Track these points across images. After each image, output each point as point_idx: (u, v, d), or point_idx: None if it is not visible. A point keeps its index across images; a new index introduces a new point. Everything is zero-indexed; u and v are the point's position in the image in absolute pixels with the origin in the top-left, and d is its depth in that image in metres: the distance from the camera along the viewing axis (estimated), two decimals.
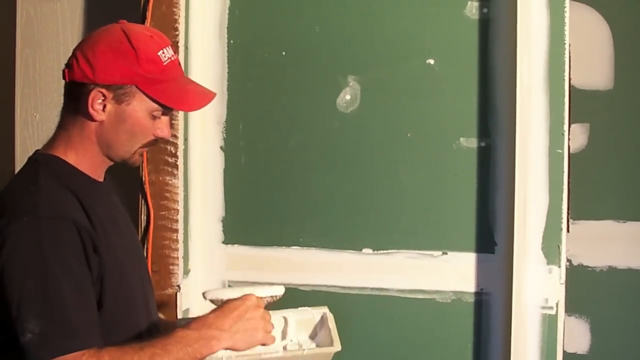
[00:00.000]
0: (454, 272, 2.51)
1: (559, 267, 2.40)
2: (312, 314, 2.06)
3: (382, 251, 2.54)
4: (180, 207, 2.55)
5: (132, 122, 1.78)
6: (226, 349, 1.69)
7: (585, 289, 2.93)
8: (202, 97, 1.87)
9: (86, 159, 1.80)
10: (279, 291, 1.88)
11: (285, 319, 2.00)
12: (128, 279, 1.83)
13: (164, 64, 1.79)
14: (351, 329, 2.56)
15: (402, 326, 2.55)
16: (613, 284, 2.93)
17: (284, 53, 2.60)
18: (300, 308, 2.04)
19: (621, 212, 2.92)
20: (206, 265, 2.64)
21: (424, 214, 2.52)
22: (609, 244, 2.92)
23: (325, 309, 2.05)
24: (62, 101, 1.85)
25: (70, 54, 1.83)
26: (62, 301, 1.60)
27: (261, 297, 1.81)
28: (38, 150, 1.85)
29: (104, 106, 1.75)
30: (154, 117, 1.80)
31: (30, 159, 1.82)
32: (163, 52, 1.80)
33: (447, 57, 2.50)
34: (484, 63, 2.48)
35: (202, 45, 2.62)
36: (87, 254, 1.67)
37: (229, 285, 2.61)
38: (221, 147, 2.63)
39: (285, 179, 2.59)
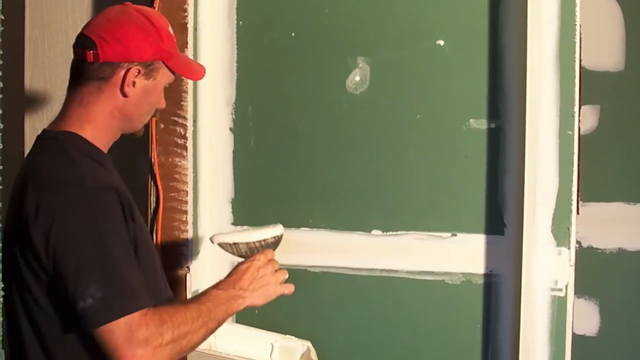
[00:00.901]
0: (463, 254, 2.51)
1: (569, 249, 2.39)
2: (296, 344, 2.31)
3: (391, 233, 2.54)
4: (189, 188, 2.55)
5: (155, 95, 1.95)
6: (248, 306, 1.90)
7: (595, 271, 2.93)
8: (199, 66, 2.07)
9: (103, 134, 1.91)
10: (279, 230, 2.04)
11: (272, 344, 2.30)
12: (151, 247, 1.99)
13: (174, 39, 1.97)
14: (360, 310, 2.57)
15: (411, 308, 2.55)
16: (622, 266, 2.93)
17: (293, 34, 2.59)
18: (287, 335, 2.30)
19: (631, 194, 2.91)
20: (216, 246, 2.64)
21: (433, 196, 2.52)
22: (619, 225, 2.92)
23: (308, 343, 2.31)
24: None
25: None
26: (119, 266, 1.71)
27: (265, 240, 2.02)
28: (46, 129, 1.91)
29: (134, 83, 1.88)
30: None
31: (45, 137, 1.89)
32: (170, 29, 1.96)
33: (457, 38, 2.49)
34: (494, 44, 2.47)
35: (211, 27, 2.61)
36: (127, 221, 1.80)
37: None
38: (230, 129, 2.62)
39: (295, 160, 2.59)
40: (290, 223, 2.59)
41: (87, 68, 1.88)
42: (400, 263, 2.54)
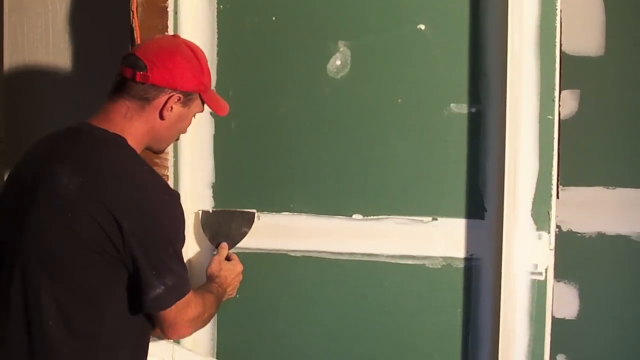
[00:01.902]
0: (443, 238, 2.51)
1: (549, 233, 2.41)
2: None
3: (372, 217, 2.55)
4: (170, 173, 2.54)
5: (186, 122, 2.21)
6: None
7: (575, 255, 2.94)
8: (224, 103, 2.30)
9: (137, 147, 2.11)
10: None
11: None
12: None
13: (210, 74, 2.23)
14: (341, 294, 2.58)
15: (392, 292, 2.56)
16: (602, 250, 2.94)
17: (274, 18, 2.58)
18: None
19: (611, 179, 2.92)
20: (196, 231, 2.64)
21: (414, 180, 2.52)
22: (599, 210, 2.93)
23: None
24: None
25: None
26: (182, 259, 2.09)
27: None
28: (89, 123, 2.09)
29: (172, 108, 2.11)
30: None
31: (99, 133, 2.06)
32: (208, 65, 2.21)
33: (438, 23, 2.49)
34: (475, 29, 2.47)
35: (192, 11, 2.60)
36: None
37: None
38: (211, 113, 2.61)
39: (276, 144, 2.58)
40: (271, 207, 2.60)
41: (133, 86, 2.08)
42: (381, 247, 2.54)
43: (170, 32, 2.53)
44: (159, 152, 2.28)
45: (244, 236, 2.55)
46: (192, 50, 2.16)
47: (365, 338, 2.58)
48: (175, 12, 2.55)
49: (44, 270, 1.97)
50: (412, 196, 2.52)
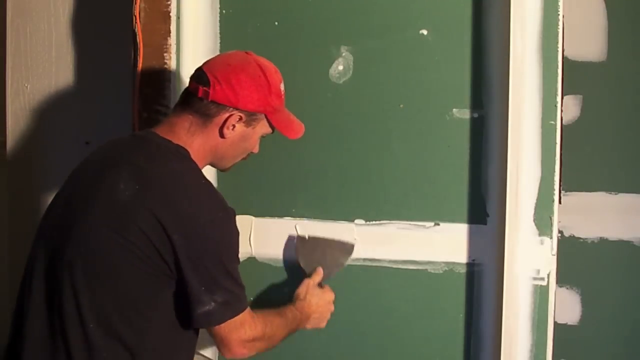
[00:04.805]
0: (446, 243, 2.51)
1: (551, 238, 2.40)
2: None
3: (374, 222, 2.55)
4: None
5: (250, 142, 2.17)
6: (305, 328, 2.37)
7: (577, 260, 2.94)
8: (299, 125, 2.27)
9: (199, 162, 2.09)
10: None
11: None
12: None
13: (282, 96, 2.18)
14: (343, 299, 2.57)
15: (394, 297, 2.56)
16: (604, 255, 2.94)
17: (276, 23, 2.59)
18: None
19: (613, 184, 2.92)
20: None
21: (416, 185, 2.52)
22: (601, 215, 2.93)
23: None
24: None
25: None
26: (236, 275, 2.03)
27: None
28: (154, 132, 2.09)
29: (234, 126, 2.08)
30: None
31: (163, 144, 2.05)
32: (282, 86, 2.17)
33: (440, 28, 2.49)
34: (477, 34, 2.47)
35: (194, 16, 2.60)
36: None
37: None
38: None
39: (278, 149, 2.58)
40: (273, 212, 2.60)
41: (196, 101, 2.07)
42: (383, 252, 2.54)
43: (174, 38, 2.53)
44: (223, 170, 2.26)
45: (341, 267, 2.53)
46: (262, 70, 2.12)
47: (367, 343, 2.58)
48: (178, 17, 2.55)
49: (89, 273, 1.93)
50: (414, 201, 2.52)
